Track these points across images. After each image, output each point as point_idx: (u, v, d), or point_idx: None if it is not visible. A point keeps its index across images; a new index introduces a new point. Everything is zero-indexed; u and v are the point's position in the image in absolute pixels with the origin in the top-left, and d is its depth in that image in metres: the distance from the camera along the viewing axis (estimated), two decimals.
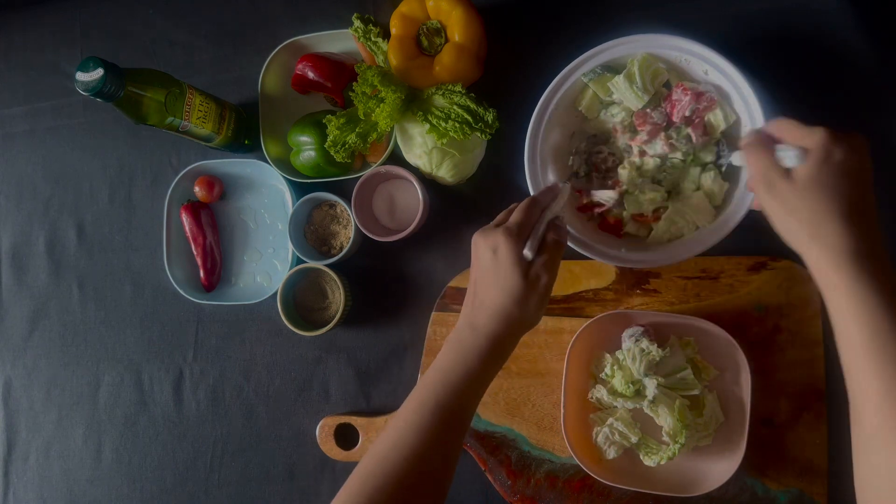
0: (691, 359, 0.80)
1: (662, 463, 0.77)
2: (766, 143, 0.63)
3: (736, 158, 0.73)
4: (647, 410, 0.78)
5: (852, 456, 0.56)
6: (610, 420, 0.80)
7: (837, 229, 0.56)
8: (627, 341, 0.79)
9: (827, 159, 0.58)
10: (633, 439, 0.79)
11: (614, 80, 0.78)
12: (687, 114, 0.76)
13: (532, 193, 0.80)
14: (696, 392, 0.78)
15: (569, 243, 0.79)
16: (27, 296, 1.07)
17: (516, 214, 0.67)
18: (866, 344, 0.54)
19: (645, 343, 0.78)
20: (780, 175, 0.60)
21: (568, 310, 0.86)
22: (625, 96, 0.79)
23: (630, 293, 0.84)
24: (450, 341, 0.67)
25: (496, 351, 0.66)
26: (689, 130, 0.77)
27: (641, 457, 0.79)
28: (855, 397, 0.55)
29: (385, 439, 0.64)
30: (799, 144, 0.60)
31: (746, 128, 0.75)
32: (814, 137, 0.59)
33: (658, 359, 0.78)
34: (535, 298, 0.65)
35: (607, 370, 0.81)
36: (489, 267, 0.66)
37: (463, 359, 0.65)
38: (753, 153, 0.63)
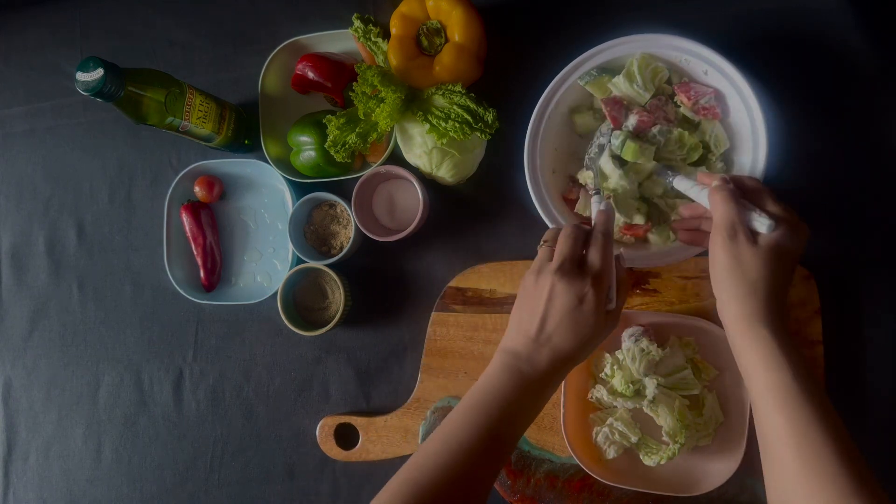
0: (691, 359, 0.80)
1: (662, 463, 0.77)
2: (738, 196, 0.65)
3: (680, 184, 0.73)
4: (647, 410, 0.78)
5: (767, 497, 0.61)
6: (610, 420, 0.80)
7: (769, 296, 0.63)
8: (627, 341, 0.79)
9: (786, 239, 0.63)
10: (633, 439, 0.79)
11: (614, 81, 0.78)
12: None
13: (535, 202, 0.80)
14: (695, 392, 0.78)
15: None
16: (27, 296, 1.07)
17: (599, 259, 0.65)
18: (782, 391, 0.59)
19: (645, 343, 0.78)
20: (745, 231, 0.63)
21: None
22: (626, 96, 0.79)
23: (630, 293, 0.84)
24: (505, 367, 0.65)
25: (553, 387, 0.66)
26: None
27: (641, 457, 0.79)
28: (770, 443, 0.60)
29: (435, 453, 0.63)
30: (771, 214, 0.64)
31: (716, 166, 0.77)
32: (786, 216, 0.64)
33: (658, 359, 0.78)
34: (601, 341, 0.67)
35: (607, 370, 0.81)
36: (569, 313, 0.64)
37: (521, 390, 0.64)
38: (726, 201, 0.65)
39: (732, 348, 0.65)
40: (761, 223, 0.63)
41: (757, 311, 0.62)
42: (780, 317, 0.63)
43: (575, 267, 0.65)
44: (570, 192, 0.83)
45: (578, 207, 0.81)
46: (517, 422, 0.65)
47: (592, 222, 0.69)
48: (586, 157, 0.81)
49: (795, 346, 0.62)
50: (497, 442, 0.64)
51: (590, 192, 0.76)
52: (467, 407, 0.65)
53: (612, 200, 0.71)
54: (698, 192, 0.70)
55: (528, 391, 0.64)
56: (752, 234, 0.64)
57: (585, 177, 0.82)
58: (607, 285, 0.65)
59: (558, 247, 0.66)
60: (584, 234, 0.67)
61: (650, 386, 0.77)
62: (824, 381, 0.78)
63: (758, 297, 0.62)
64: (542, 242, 0.69)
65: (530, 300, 0.66)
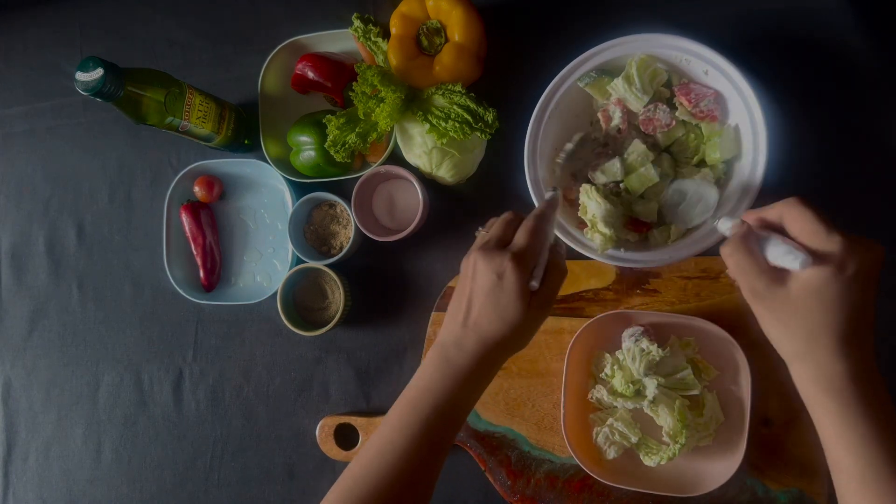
0: (691, 359, 0.80)
1: (662, 463, 0.77)
2: (756, 236, 0.55)
3: (723, 226, 0.61)
4: (647, 410, 0.78)
5: None
6: (610, 420, 0.80)
7: (832, 350, 0.52)
8: (627, 341, 0.79)
9: (838, 274, 0.51)
10: (633, 439, 0.78)
11: (613, 83, 0.78)
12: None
13: (535, 201, 0.80)
14: (696, 392, 0.78)
15: (569, 243, 0.79)
16: (27, 296, 1.07)
17: (524, 237, 0.62)
18: (860, 475, 0.51)
19: (645, 343, 0.78)
20: (768, 283, 0.54)
21: (568, 310, 0.86)
22: (624, 98, 0.78)
23: (630, 293, 0.84)
24: (435, 359, 0.63)
25: (486, 376, 0.63)
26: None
27: (641, 457, 0.79)
28: None
29: (367, 460, 0.61)
30: (809, 245, 0.52)
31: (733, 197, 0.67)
32: (831, 245, 0.51)
33: (658, 359, 0.78)
34: (532, 328, 0.63)
35: (607, 370, 0.81)
36: (490, 292, 0.61)
37: (452, 381, 0.61)
38: (731, 255, 0.56)
39: (810, 414, 0.55)
40: (791, 260, 0.52)
41: (823, 371, 0.52)
42: (855, 377, 0.51)
43: (498, 245, 0.63)
44: (569, 192, 0.83)
45: (581, 212, 0.81)
46: (451, 418, 0.62)
47: (536, 204, 0.69)
48: (556, 159, 0.81)
49: (880, 412, 0.51)
50: (432, 442, 0.61)
51: (588, 218, 0.75)
52: (400, 406, 0.63)
53: (558, 192, 0.70)
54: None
55: (458, 382, 0.61)
56: (782, 277, 0.53)
57: (585, 196, 0.81)
58: (531, 264, 0.61)
59: (490, 230, 0.66)
60: (518, 219, 0.65)
61: (650, 386, 0.77)
62: None
63: (815, 357, 0.52)
64: (479, 229, 0.68)
65: (459, 285, 0.64)
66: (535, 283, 0.61)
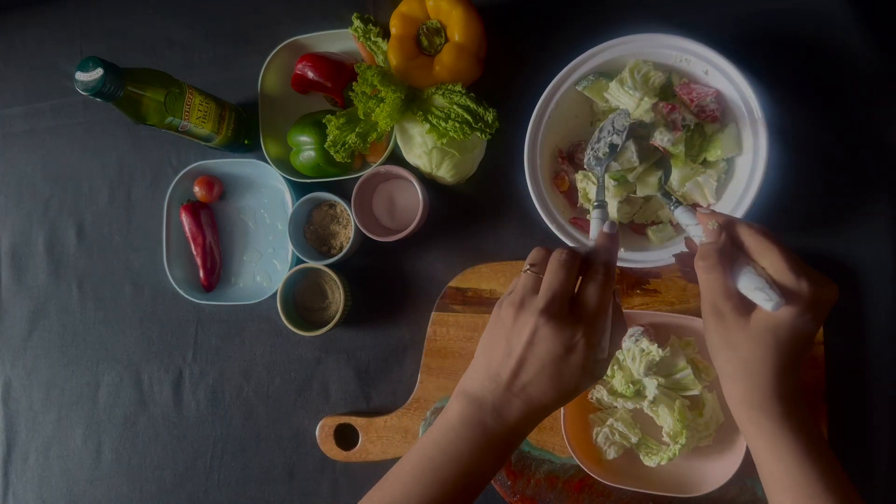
0: (691, 359, 0.80)
1: (663, 463, 0.77)
2: (728, 259, 0.54)
3: (681, 217, 0.61)
4: (647, 411, 0.78)
5: None
6: (610, 420, 0.80)
7: (770, 377, 0.54)
8: (627, 341, 0.79)
9: (798, 317, 0.52)
10: (634, 439, 0.78)
11: (609, 89, 0.78)
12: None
13: (535, 201, 0.79)
14: (696, 392, 0.78)
15: (569, 243, 0.79)
16: (27, 296, 1.07)
17: (597, 300, 0.53)
18: (796, 486, 0.53)
19: (645, 343, 0.78)
20: (733, 308, 0.54)
21: None
22: (619, 100, 0.79)
23: (630, 293, 0.84)
24: (468, 419, 0.55)
25: (520, 440, 0.57)
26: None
27: (642, 457, 0.79)
28: None
29: None
30: (779, 282, 0.52)
31: (706, 219, 0.58)
32: (800, 288, 0.52)
33: (658, 359, 0.78)
34: (582, 391, 0.56)
35: (607, 370, 0.81)
36: (552, 363, 0.53)
37: (484, 450, 0.54)
38: (707, 271, 0.54)
39: (740, 429, 0.58)
40: (764, 298, 0.52)
41: (756, 395, 0.54)
42: (787, 399, 0.54)
43: (566, 307, 0.54)
44: (559, 180, 0.83)
45: (581, 197, 0.80)
46: (474, 486, 0.55)
47: (591, 238, 0.59)
48: (588, 152, 0.69)
49: (807, 428, 0.54)
50: None
51: (591, 204, 0.66)
52: (417, 464, 0.55)
53: (616, 221, 0.62)
54: (696, 230, 0.59)
55: (491, 449, 0.54)
56: (746, 306, 0.54)
57: (584, 181, 0.80)
58: (601, 333, 0.54)
59: (547, 278, 0.55)
60: (579, 262, 0.55)
61: (650, 386, 0.77)
62: (824, 382, 0.78)
63: (755, 381, 0.54)
64: (527, 266, 0.57)
65: (506, 338, 0.55)
66: (604, 355, 0.55)
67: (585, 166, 0.71)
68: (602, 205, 0.61)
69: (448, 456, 0.55)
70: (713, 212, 0.58)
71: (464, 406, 0.56)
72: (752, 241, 0.55)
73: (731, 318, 0.54)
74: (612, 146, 0.66)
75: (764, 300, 0.52)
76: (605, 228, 0.57)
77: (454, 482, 0.54)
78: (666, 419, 0.76)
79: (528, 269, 0.56)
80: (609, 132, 0.67)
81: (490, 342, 0.56)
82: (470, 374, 0.57)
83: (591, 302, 0.54)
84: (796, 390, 0.55)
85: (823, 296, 0.53)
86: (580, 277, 0.56)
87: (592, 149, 0.69)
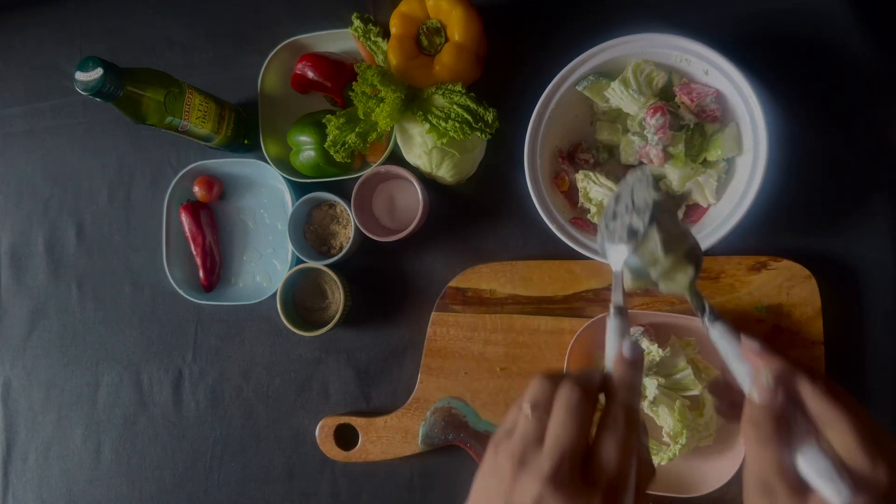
0: (691, 359, 0.80)
1: (663, 464, 0.77)
2: (786, 427, 0.44)
3: (720, 340, 0.50)
4: (647, 411, 0.78)
5: None
6: None
7: None
8: None
9: None
10: None
11: (610, 88, 0.78)
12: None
13: (535, 202, 0.80)
14: (696, 392, 0.78)
15: (569, 243, 0.79)
16: (26, 296, 1.07)
17: (614, 455, 0.43)
18: None
19: (645, 343, 0.78)
20: (789, 489, 0.42)
21: (568, 310, 0.86)
22: (622, 102, 0.79)
23: (630, 293, 0.84)
24: None
25: None
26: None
27: None
28: None
29: None
30: (849, 465, 0.41)
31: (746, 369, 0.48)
32: (876, 476, 0.41)
33: (658, 359, 0.78)
34: None
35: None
36: None
37: None
38: (761, 443, 0.44)
39: None
40: (831, 491, 0.41)
41: None
42: None
43: (577, 469, 0.43)
44: (559, 180, 0.83)
45: (582, 196, 0.79)
46: None
47: (608, 356, 0.48)
48: (602, 230, 0.55)
49: None
50: None
51: (611, 303, 0.50)
52: None
53: (640, 339, 0.51)
54: (738, 366, 0.48)
55: None
56: (803, 487, 0.42)
57: (585, 180, 0.79)
58: (623, 498, 0.42)
59: (554, 429, 0.43)
60: (595, 404, 0.45)
61: (650, 386, 0.77)
62: None
63: None
64: (527, 404, 0.46)
65: (504, 500, 0.44)
66: None
67: (599, 250, 0.58)
68: (620, 312, 0.48)
69: None
70: (764, 349, 0.46)
71: None
72: (817, 405, 0.44)
73: (780, 497, 0.43)
74: (632, 232, 0.52)
75: (831, 493, 0.41)
76: (626, 352, 0.47)
77: None
78: (666, 419, 0.76)
79: (528, 410, 0.45)
80: (627, 207, 0.53)
81: (485, 497, 0.46)
82: None
83: (610, 463, 0.42)
84: None
85: None
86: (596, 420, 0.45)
87: (607, 227, 0.55)
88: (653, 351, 0.77)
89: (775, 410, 0.44)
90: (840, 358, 0.79)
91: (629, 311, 0.81)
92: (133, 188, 1.04)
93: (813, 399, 0.44)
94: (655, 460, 0.77)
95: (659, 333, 0.81)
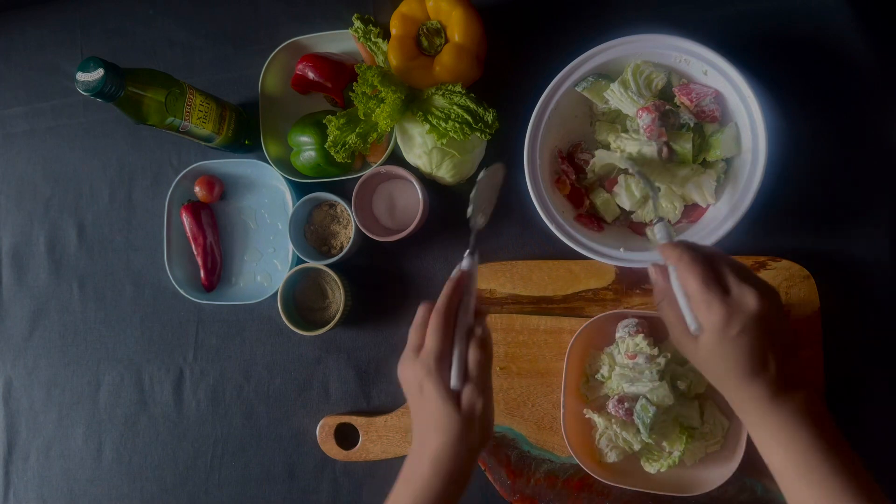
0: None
1: (663, 470, 0.77)
2: (670, 294, 0.61)
3: (659, 232, 0.67)
4: (647, 440, 0.78)
5: None
6: (615, 427, 0.79)
7: (738, 386, 0.58)
8: (621, 331, 0.79)
9: (723, 336, 0.56)
10: (636, 447, 0.78)
11: (610, 89, 0.79)
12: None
13: (535, 202, 0.80)
14: (700, 392, 0.78)
15: (568, 243, 0.79)
16: (27, 296, 1.07)
17: (430, 339, 0.61)
18: (796, 471, 0.56)
19: (640, 339, 0.78)
20: (685, 333, 0.60)
21: (568, 310, 0.86)
22: (621, 104, 0.79)
23: (630, 293, 0.84)
24: (409, 483, 0.61)
25: (455, 486, 0.61)
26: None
27: (642, 463, 0.79)
28: None
29: None
30: (696, 311, 0.58)
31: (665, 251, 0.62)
32: (712, 316, 0.57)
33: (648, 353, 0.77)
34: (476, 426, 0.60)
35: (603, 372, 0.81)
36: (419, 407, 0.62)
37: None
38: (664, 310, 0.62)
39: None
40: (689, 324, 0.59)
41: (737, 402, 0.59)
42: (771, 384, 0.57)
43: (415, 353, 0.62)
44: (561, 183, 0.83)
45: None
46: None
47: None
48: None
49: (803, 416, 0.56)
50: None
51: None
52: None
53: (474, 260, 0.66)
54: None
55: (432, 501, 0.60)
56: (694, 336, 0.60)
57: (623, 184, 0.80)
58: (447, 364, 0.61)
59: (427, 341, 0.63)
60: (450, 320, 0.63)
61: (641, 402, 0.77)
62: (824, 382, 0.78)
63: (727, 392, 0.60)
64: (412, 327, 0.66)
65: (411, 381, 0.64)
66: (455, 384, 0.60)
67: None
68: (471, 254, 0.67)
69: None
70: (667, 247, 0.62)
71: (403, 476, 0.63)
72: (678, 273, 0.60)
73: (685, 340, 0.60)
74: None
75: (690, 325, 0.59)
76: (463, 264, 0.68)
77: None
78: (669, 442, 0.77)
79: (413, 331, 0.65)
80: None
81: (404, 379, 0.65)
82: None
83: (427, 343, 0.62)
84: (778, 385, 0.57)
85: (749, 307, 0.56)
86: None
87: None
88: (646, 348, 0.77)
89: (660, 285, 0.63)
90: (839, 358, 0.79)
91: (628, 310, 0.82)
92: (134, 188, 1.04)
93: (675, 270, 0.61)
94: (656, 467, 0.77)
95: (659, 333, 0.81)
